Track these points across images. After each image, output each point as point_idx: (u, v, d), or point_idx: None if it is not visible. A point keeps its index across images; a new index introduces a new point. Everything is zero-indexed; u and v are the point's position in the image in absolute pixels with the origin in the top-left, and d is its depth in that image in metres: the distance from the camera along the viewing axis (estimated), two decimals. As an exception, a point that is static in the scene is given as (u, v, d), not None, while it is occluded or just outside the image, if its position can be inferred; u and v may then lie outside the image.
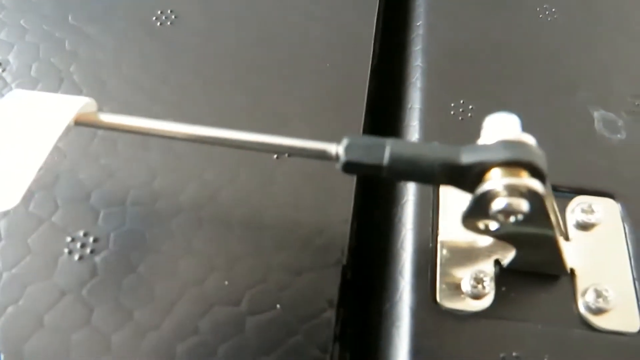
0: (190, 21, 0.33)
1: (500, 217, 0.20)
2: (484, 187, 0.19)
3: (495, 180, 0.19)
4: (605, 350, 0.24)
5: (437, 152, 0.20)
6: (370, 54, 0.33)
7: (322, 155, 0.21)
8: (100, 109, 0.24)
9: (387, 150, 0.20)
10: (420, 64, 0.32)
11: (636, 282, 0.26)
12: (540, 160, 0.20)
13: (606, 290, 0.25)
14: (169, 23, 0.33)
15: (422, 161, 0.20)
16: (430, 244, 0.26)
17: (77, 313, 0.23)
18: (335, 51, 0.33)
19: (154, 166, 0.27)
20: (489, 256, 0.26)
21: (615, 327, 0.24)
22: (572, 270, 0.26)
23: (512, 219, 0.20)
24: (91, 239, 0.25)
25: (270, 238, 0.26)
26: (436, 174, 0.20)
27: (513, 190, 0.19)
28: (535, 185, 0.19)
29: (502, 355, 0.23)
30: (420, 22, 0.35)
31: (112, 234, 0.25)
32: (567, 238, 0.27)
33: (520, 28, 0.34)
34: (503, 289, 0.25)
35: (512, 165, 0.19)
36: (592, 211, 0.27)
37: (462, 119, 0.30)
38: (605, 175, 0.28)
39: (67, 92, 0.30)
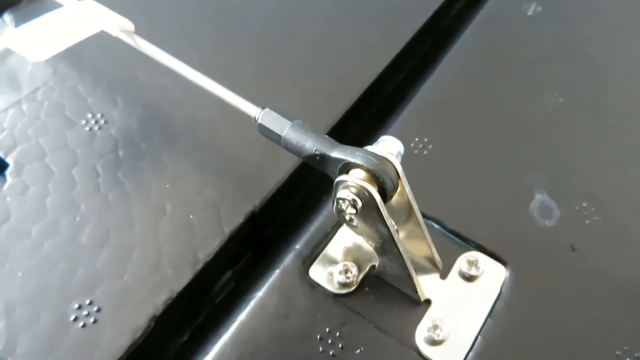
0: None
1: (342, 203, 0.25)
2: (339, 177, 0.24)
3: (348, 175, 0.24)
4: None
5: (319, 141, 0.25)
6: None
7: (248, 113, 0.28)
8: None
9: (287, 127, 0.26)
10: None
11: (478, 337, 0.28)
12: (385, 176, 0.24)
13: (444, 329, 0.28)
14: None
15: (306, 144, 0.25)
16: (330, 231, 0.31)
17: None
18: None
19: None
20: (369, 260, 0.30)
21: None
22: (429, 301, 0.29)
23: (350, 209, 0.24)
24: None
25: (214, 170, 0.33)
26: (316, 156, 0.25)
27: (357, 188, 0.24)
28: (370, 188, 0.24)
29: (328, 329, 0.28)
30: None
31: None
32: (443, 276, 0.30)
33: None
34: (366, 289, 0.30)
35: (365, 170, 0.24)
36: (477, 266, 0.30)
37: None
38: (514, 247, 0.31)
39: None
